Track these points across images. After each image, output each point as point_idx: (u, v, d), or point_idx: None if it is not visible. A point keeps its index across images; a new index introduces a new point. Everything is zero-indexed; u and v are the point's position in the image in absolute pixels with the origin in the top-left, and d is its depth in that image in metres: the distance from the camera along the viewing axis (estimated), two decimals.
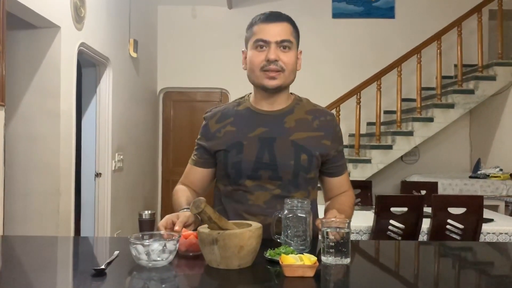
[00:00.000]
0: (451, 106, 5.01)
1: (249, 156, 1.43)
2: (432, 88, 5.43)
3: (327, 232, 1.17)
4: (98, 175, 4.15)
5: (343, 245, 1.16)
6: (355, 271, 1.18)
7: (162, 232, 1.22)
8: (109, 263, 1.13)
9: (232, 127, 1.49)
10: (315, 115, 1.52)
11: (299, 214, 1.29)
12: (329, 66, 5.81)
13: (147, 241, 1.15)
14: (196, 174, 1.57)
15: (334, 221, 1.20)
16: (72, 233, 3.49)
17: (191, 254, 1.24)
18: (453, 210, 2.84)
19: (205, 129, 1.54)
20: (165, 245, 1.12)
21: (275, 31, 1.41)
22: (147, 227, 1.43)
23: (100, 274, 1.07)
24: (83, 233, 4.10)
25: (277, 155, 1.43)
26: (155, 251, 1.11)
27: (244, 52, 1.51)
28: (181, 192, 1.51)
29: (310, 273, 1.06)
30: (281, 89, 1.47)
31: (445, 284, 1.17)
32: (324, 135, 1.49)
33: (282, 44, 1.41)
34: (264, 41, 1.41)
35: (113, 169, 4.26)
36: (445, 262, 1.41)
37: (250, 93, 1.56)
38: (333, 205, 1.50)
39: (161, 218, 6.53)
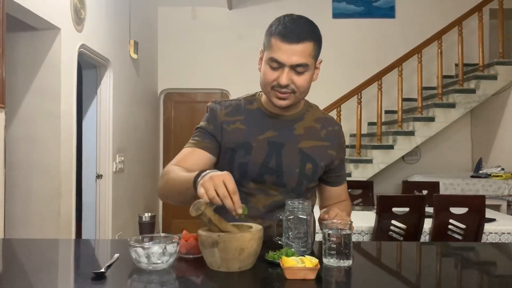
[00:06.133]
0: (452, 105, 5.00)
1: (257, 159, 1.41)
2: (433, 88, 5.42)
3: (328, 234, 1.17)
4: (99, 176, 4.14)
5: (344, 247, 1.15)
6: (357, 273, 1.17)
7: (160, 233, 1.21)
8: (109, 266, 1.13)
9: (242, 125, 1.44)
10: (323, 124, 1.50)
11: (300, 216, 1.28)
12: (330, 66, 5.75)
13: (147, 243, 1.14)
14: (197, 157, 1.41)
15: (335, 222, 1.19)
16: (73, 236, 3.48)
17: (191, 256, 1.23)
18: (455, 210, 2.83)
19: (212, 115, 1.46)
20: (165, 248, 1.11)
21: (292, 53, 1.30)
22: (147, 229, 1.43)
23: (100, 277, 1.06)
24: (84, 235, 4.09)
25: (284, 162, 1.41)
26: (155, 254, 1.10)
27: (262, 51, 1.42)
28: (178, 169, 1.32)
29: (312, 276, 1.06)
30: (291, 107, 1.43)
31: (448, 285, 1.16)
32: (330, 145, 1.48)
33: (297, 69, 1.32)
34: (278, 62, 1.32)
35: (114, 170, 4.25)
36: (448, 263, 1.40)
37: (261, 92, 1.50)
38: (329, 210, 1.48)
39: (162, 220, 6.42)
